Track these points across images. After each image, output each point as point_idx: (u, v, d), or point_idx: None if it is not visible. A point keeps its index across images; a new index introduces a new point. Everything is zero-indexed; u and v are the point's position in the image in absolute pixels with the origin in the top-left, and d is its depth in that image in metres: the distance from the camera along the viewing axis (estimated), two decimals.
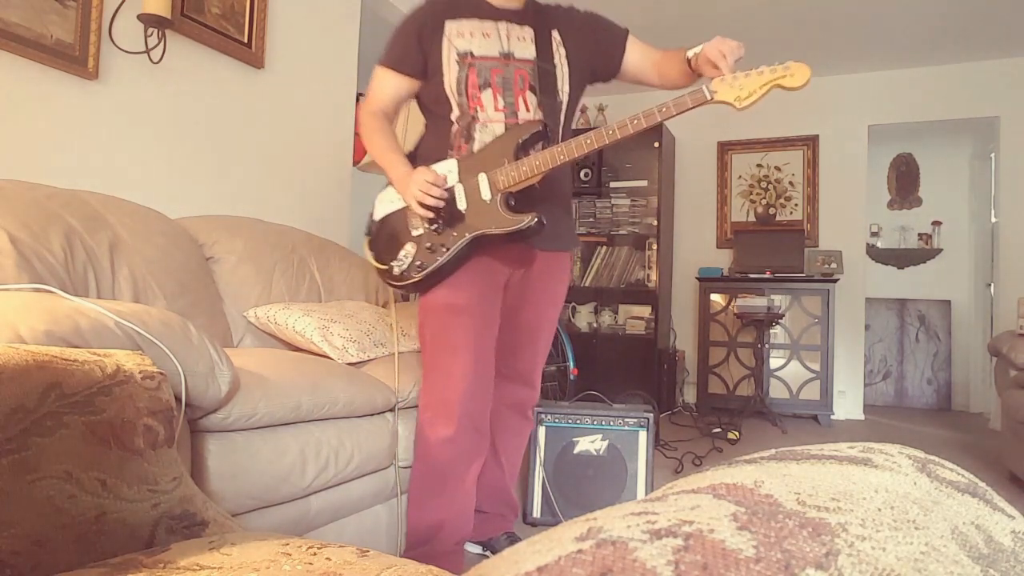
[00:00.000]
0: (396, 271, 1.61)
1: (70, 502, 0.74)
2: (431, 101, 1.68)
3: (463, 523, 1.67)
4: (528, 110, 1.62)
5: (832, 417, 4.55)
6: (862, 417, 4.82)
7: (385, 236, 1.68)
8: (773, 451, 0.45)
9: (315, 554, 0.73)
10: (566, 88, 1.68)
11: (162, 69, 2.31)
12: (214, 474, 1.24)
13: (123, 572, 0.67)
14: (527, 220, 1.51)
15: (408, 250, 1.60)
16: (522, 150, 1.56)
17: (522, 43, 1.64)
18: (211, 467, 1.24)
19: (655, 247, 4.88)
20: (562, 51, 1.68)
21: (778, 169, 5.06)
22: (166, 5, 2.16)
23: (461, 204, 1.57)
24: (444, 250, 1.56)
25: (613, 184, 5.09)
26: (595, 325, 5.00)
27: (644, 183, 4.99)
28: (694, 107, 1.41)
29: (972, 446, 3.90)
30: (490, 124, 1.61)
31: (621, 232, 5.05)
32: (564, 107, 1.69)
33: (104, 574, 0.67)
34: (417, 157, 1.68)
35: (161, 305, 1.66)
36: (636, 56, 1.73)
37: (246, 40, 2.64)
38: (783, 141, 5.03)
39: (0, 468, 0.70)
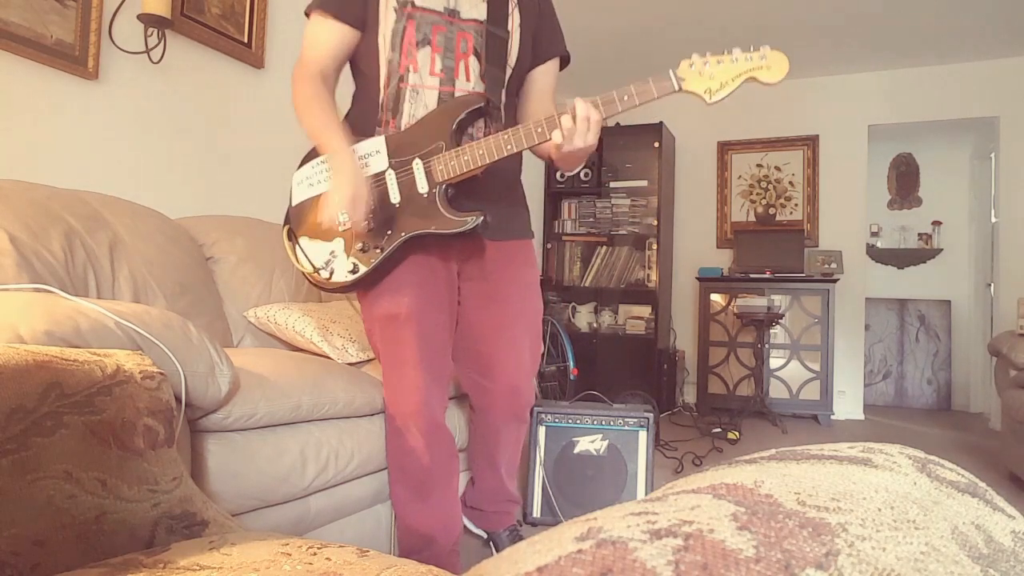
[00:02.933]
0: (324, 274, 1.42)
1: (70, 502, 0.74)
2: (361, 58, 1.46)
3: (453, 527, 1.60)
4: (468, 79, 1.42)
5: (832, 417, 4.55)
6: (862, 417, 4.82)
7: (307, 229, 1.46)
8: (773, 451, 0.46)
9: (315, 554, 0.73)
10: (513, 59, 1.48)
11: (162, 69, 2.31)
12: (214, 474, 1.24)
13: (123, 572, 0.67)
14: (470, 222, 1.33)
15: (336, 248, 1.41)
16: (460, 130, 1.37)
17: (470, 1, 1.44)
18: (211, 467, 1.24)
19: (655, 247, 4.88)
20: (516, 17, 1.48)
21: (778, 169, 5.06)
22: (166, 5, 2.16)
23: (394, 196, 1.37)
24: (378, 252, 1.38)
25: (613, 184, 5.10)
26: (595, 325, 5.00)
27: (644, 183, 5.00)
28: (660, 96, 1.26)
29: (972, 446, 3.90)
30: (422, 90, 1.41)
31: (621, 232, 5.05)
32: (508, 80, 1.49)
33: (104, 574, 0.67)
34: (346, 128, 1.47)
35: (161, 305, 1.66)
36: (545, 81, 1.56)
37: (246, 40, 2.64)
38: (783, 141, 5.03)
39: (0, 468, 0.70)
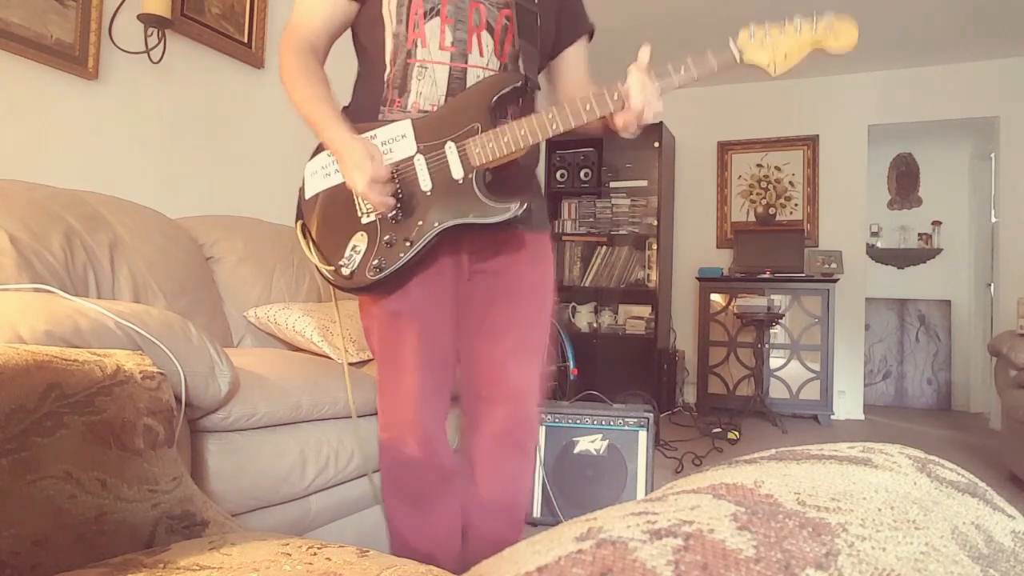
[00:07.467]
0: (346, 271, 1.25)
1: (70, 502, 0.74)
2: (364, 31, 1.32)
3: (453, 544, 1.43)
4: (482, 55, 1.25)
5: (832, 417, 4.55)
6: (862, 417, 4.82)
7: (324, 223, 1.29)
8: (773, 451, 0.46)
9: (315, 554, 0.73)
10: (538, 37, 1.32)
11: (162, 69, 2.31)
12: (214, 474, 1.24)
13: (123, 572, 0.67)
14: (514, 208, 1.16)
15: (358, 243, 1.24)
16: (497, 110, 1.22)
17: None
18: (211, 467, 1.24)
19: (655, 247, 4.88)
20: None
21: (778, 169, 5.06)
22: (166, 5, 2.16)
23: (424, 183, 1.21)
24: (408, 245, 1.20)
25: (613, 184, 5.09)
26: (595, 325, 5.00)
27: (644, 183, 5.00)
28: (720, 70, 1.15)
29: (972, 446, 3.90)
30: (430, 66, 1.25)
31: (621, 232, 5.05)
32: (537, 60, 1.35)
33: (104, 574, 0.67)
34: (348, 113, 1.32)
35: (161, 305, 1.66)
36: (578, 62, 1.42)
37: (246, 40, 2.64)
38: (783, 141, 5.03)
39: (0, 468, 0.70)
